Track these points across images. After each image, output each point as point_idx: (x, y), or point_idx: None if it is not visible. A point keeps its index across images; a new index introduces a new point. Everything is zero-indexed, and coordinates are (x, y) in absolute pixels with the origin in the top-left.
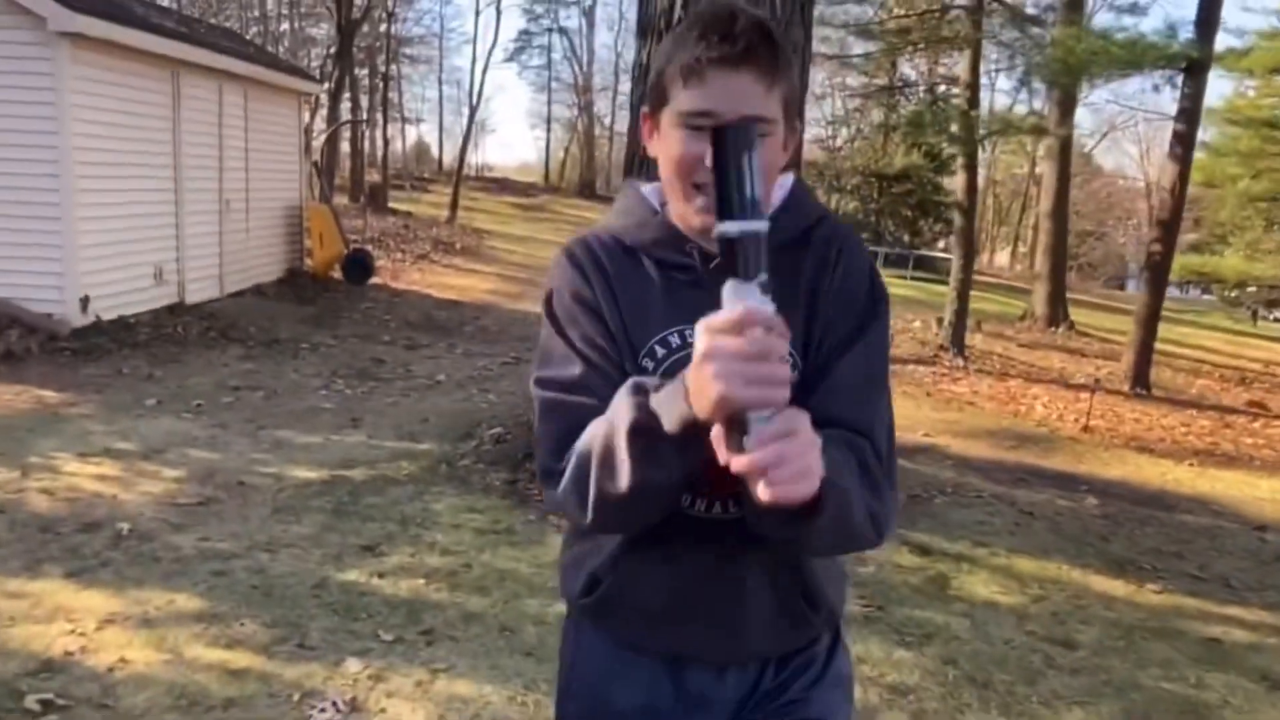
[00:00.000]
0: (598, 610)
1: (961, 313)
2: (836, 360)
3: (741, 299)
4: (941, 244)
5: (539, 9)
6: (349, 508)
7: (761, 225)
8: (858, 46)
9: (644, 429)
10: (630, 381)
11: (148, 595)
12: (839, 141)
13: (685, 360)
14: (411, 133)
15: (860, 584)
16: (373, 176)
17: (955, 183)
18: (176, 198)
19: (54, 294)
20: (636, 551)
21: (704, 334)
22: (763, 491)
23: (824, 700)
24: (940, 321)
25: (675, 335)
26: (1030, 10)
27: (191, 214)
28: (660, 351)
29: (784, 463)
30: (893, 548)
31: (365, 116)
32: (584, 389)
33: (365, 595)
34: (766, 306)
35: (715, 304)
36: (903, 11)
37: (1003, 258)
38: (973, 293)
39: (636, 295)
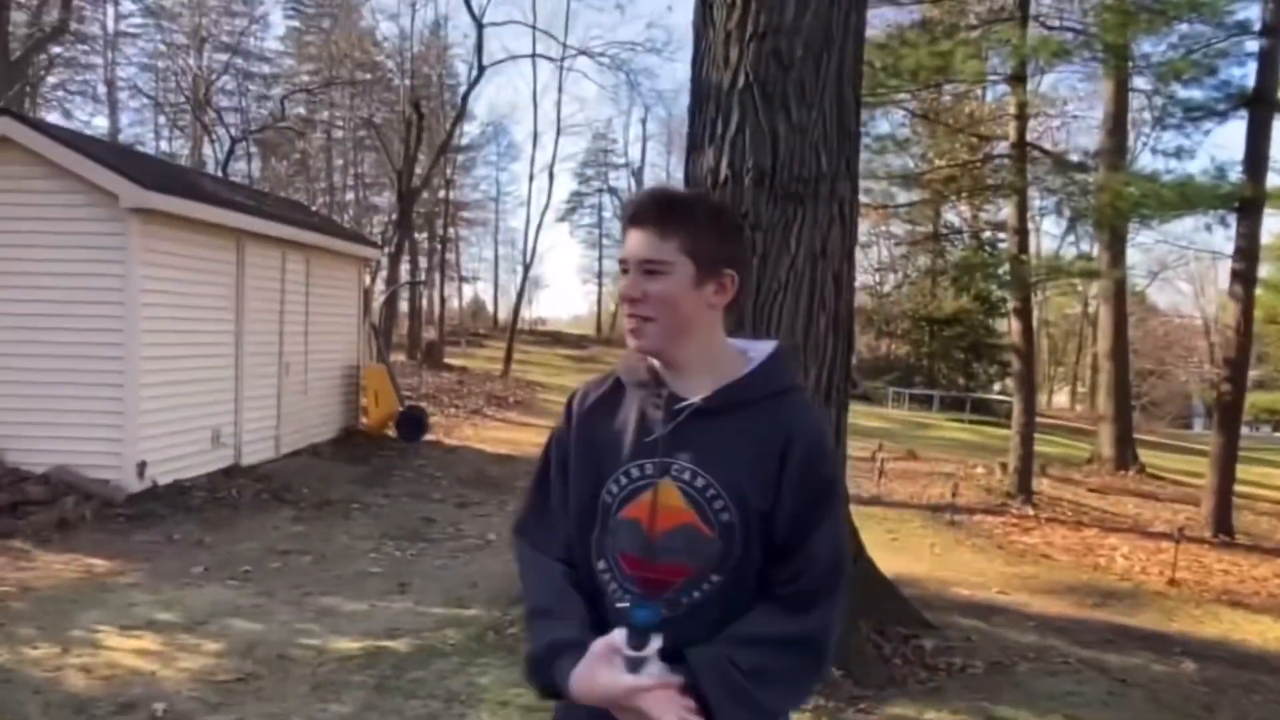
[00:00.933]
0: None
1: (1027, 458)
2: (804, 541)
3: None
4: (998, 386)
5: (589, 171)
6: (391, 683)
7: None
8: (901, 195)
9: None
10: (550, 644)
11: None
12: (886, 288)
13: (642, 488)
14: (468, 291)
15: None
16: (430, 334)
17: (1008, 325)
18: (237, 361)
19: (112, 460)
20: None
21: (607, 680)
22: None
23: None
24: (1005, 467)
25: (635, 468)
26: (1073, 157)
27: (251, 377)
28: (623, 481)
29: None
30: None
31: (424, 278)
32: (548, 510)
33: None
34: (652, 678)
35: (667, 441)
36: (944, 163)
37: (1061, 398)
38: (1035, 435)
39: (615, 430)
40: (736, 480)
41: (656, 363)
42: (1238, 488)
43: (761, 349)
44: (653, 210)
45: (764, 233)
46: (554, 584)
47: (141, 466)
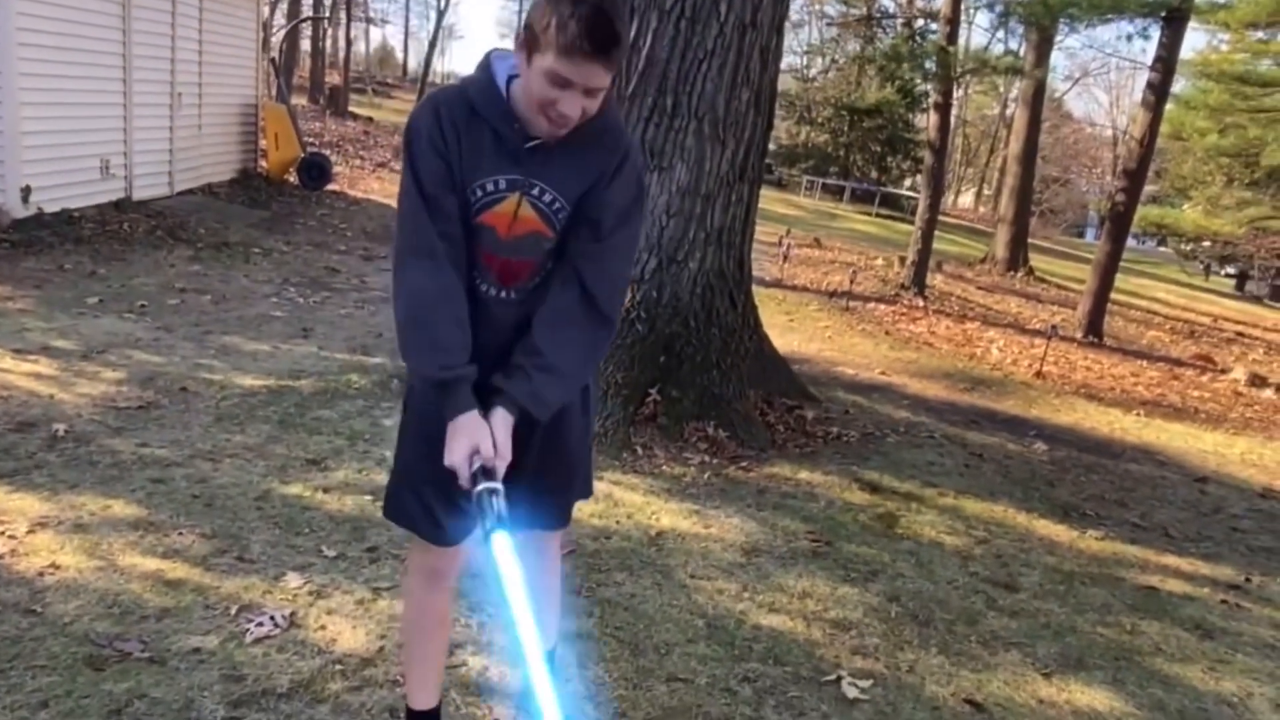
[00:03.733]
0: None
1: (925, 253)
2: (608, 236)
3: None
4: (909, 182)
5: None
6: (295, 419)
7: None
8: None
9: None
10: (451, 379)
11: (82, 500)
12: (813, 72)
13: (496, 200)
14: (376, 35)
15: (808, 519)
16: (333, 79)
17: (927, 121)
18: (125, 89)
19: None
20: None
21: (463, 440)
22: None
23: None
24: (903, 261)
25: (491, 182)
26: None
27: (141, 106)
28: (481, 191)
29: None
30: (843, 485)
31: (327, 14)
32: (429, 211)
33: (309, 510)
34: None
35: (523, 166)
36: None
37: (967, 199)
38: (936, 233)
39: (472, 146)
40: (575, 188)
41: (523, 108)
42: (1115, 296)
43: (607, 109)
44: (614, 46)
45: None
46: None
47: (25, 191)
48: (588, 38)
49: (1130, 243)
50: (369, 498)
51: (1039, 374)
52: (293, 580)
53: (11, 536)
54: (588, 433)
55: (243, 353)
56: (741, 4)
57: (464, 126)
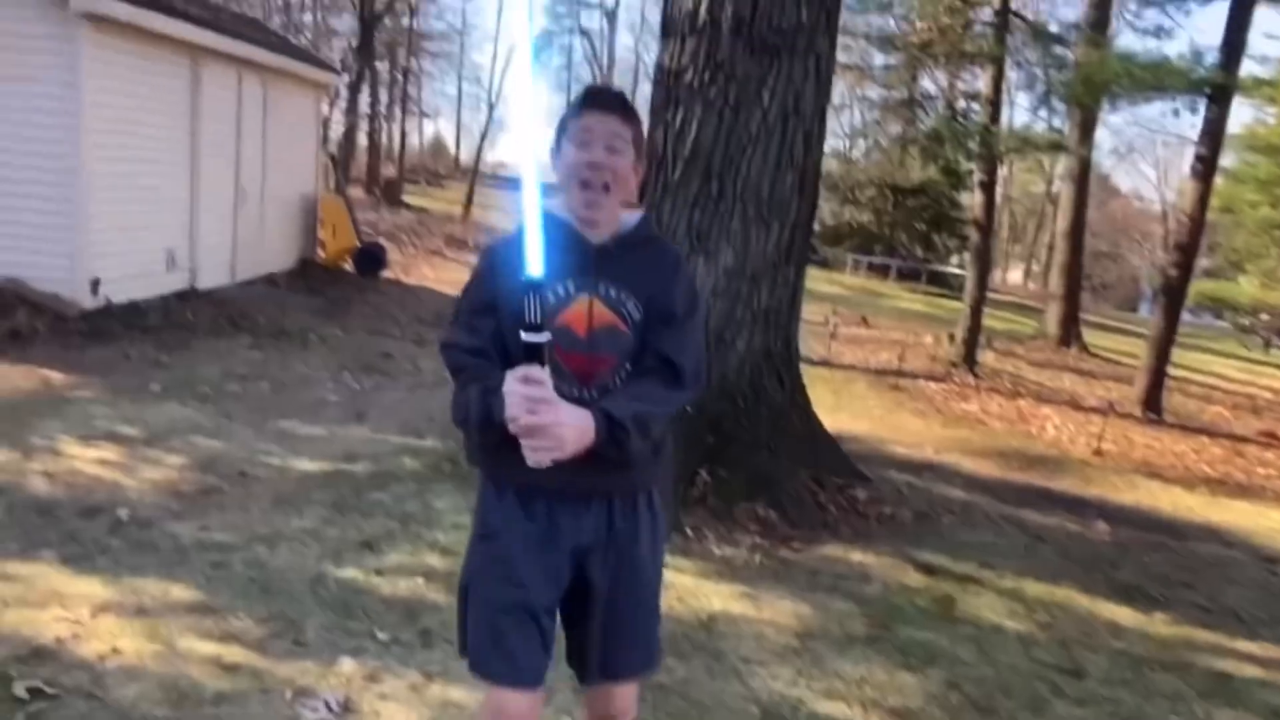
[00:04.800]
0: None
1: (975, 330)
2: (683, 320)
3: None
4: (955, 259)
5: (561, 9)
6: (350, 502)
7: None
8: (879, 58)
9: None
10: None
11: (143, 584)
12: (856, 153)
13: (567, 302)
14: (429, 128)
15: (863, 602)
16: (389, 170)
17: (971, 199)
18: (192, 184)
19: (64, 274)
20: None
21: (515, 378)
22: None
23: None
24: (952, 338)
25: (561, 286)
26: (1053, 28)
27: (206, 200)
28: (553, 297)
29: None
30: (898, 566)
31: (384, 111)
32: (479, 329)
33: (362, 593)
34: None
35: (588, 273)
36: (926, 25)
37: (1016, 276)
38: (985, 310)
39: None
40: (641, 290)
41: (570, 219)
42: (1174, 371)
43: (635, 215)
44: (616, 101)
45: (738, 83)
46: (485, 366)
47: (95, 283)
48: (596, 95)
49: (1187, 317)
50: (421, 580)
51: (1097, 451)
52: (347, 664)
53: (76, 621)
54: (659, 576)
55: (299, 437)
56: (784, 92)
57: (518, 251)
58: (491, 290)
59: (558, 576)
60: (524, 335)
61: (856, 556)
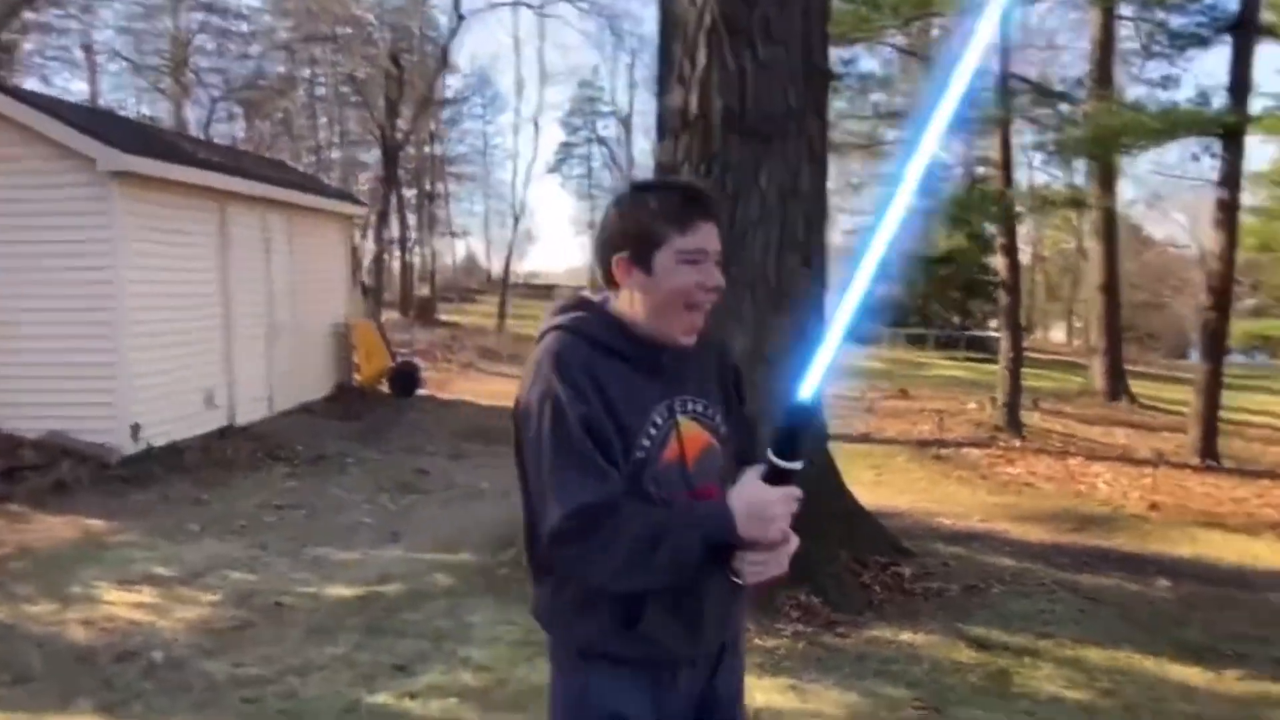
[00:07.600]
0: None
1: (1015, 391)
2: (743, 421)
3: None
4: (994, 323)
5: (577, 121)
6: (383, 625)
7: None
8: (890, 133)
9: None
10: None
11: None
12: None
13: (665, 436)
14: (460, 247)
15: (913, 684)
16: (422, 291)
17: (1000, 262)
18: (225, 323)
19: (106, 423)
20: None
21: (779, 501)
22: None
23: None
24: (994, 402)
25: (657, 416)
26: (1058, 87)
27: (240, 337)
28: (651, 432)
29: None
30: (948, 643)
31: (413, 234)
32: (597, 478)
33: (396, 718)
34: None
35: (664, 384)
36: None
37: (1058, 334)
38: (1028, 370)
39: (619, 388)
40: (713, 394)
41: (619, 318)
42: (1230, 415)
43: None
44: (716, 205)
45: (734, 170)
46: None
47: (135, 429)
48: (697, 203)
49: (1241, 359)
50: (455, 700)
51: (1153, 506)
52: None
53: None
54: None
55: (333, 563)
56: (780, 174)
57: (601, 369)
58: (599, 412)
59: None
60: (780, 462)
61: (904, 636)
